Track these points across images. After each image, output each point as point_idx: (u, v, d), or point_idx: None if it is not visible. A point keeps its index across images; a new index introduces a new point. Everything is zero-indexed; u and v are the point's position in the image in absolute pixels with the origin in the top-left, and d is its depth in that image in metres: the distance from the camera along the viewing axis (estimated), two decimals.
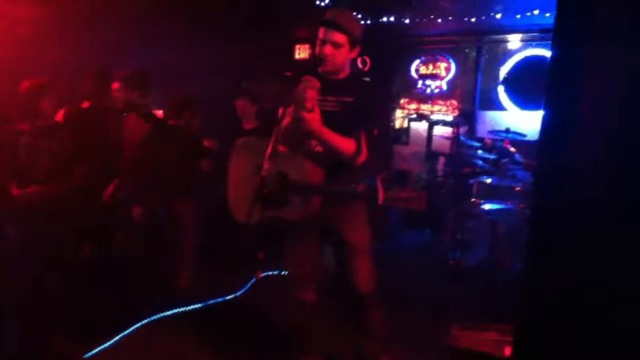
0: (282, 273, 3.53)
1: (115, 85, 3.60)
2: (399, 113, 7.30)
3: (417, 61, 7.07)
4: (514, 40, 6.45)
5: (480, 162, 5.20)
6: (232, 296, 3.83)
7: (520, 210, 4.76)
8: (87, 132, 3.48)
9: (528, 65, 6.24)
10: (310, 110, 2.15)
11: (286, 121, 2.31)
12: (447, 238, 5.00)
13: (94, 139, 3.53)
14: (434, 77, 6.94)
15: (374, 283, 2.50)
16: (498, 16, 5.71)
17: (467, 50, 6.90)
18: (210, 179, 3.88)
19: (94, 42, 4.63)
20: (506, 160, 4.96)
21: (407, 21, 6.25)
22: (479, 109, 6.70)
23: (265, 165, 2.04)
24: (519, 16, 5.61)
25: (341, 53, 2.31)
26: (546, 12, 5.35)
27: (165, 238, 3.84)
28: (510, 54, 6.46)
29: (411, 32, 6.81)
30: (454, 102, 6.81)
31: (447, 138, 6.22)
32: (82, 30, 4.55)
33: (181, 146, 3.78)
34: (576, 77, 1.32)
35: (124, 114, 3.67)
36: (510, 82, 6.39)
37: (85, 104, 3.82)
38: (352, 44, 2.32)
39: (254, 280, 3.96)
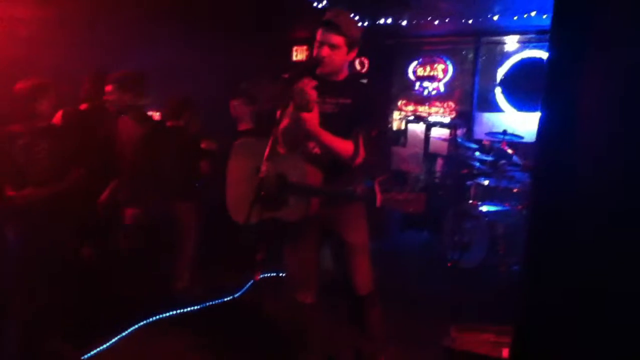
0: (281, 274, 3.53)
1: (109, 87, 3.56)
2: (396, 115, 7.31)
3: (415, 63, 7.08)
4: (511, 42, 6.46)
5: (478, 164, 5.21)
6: (230, 297, 3.84)
7: (518, 211, 4.78)
8: (85, 134, 3.48)
9: (525, 67, 6.25)
10: (309, 111, 2.15)
11: (285, 122, 2.31)
12: (446, 239, 5.01)
13: (93, 140, 3.53)
14: (432, 78, 6.95)
15: (373, 283, 2.51)
16: (495, 18, 5.72)
17: (464, 51, 6.92)
18: (210, 180, 3.88)
19: (93, 42, 4.63)
20: (504, 161, 4.98)
21: (404, 23, 6.26)
22: (476, 111, 6.70)
23: (264, 167, 2.05)
24: (516, 18, 5.62)
25: (338, 55, 2.32)
26: (543, 14, 5.36)
27: (164, 239, 3.83)
28: (507, 55, 6.47)
29: (409, 34, 6.82)
30: (452, 103, 6.82)
31: (444, 139, 6.24)
32: (82, 31, 4.54)
33: (180, 147, 3.78)
34: (573, 78, 1.32)
35: (121, 116, 3.66)
36: (508, 84, 6.40)
37: (84, 106, 3.82)
38: (350, 45, 2.33)
39: (252, 281, 3.96)
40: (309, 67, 2.35)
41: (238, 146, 2.51)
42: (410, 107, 7.15)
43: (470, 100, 6.76)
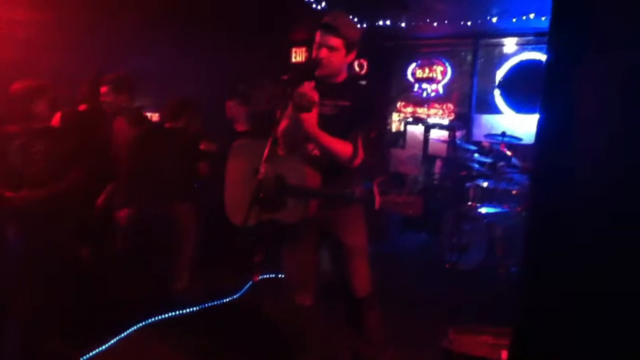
0: (279, 276, 3.53)
1: (104, 88, 3.55)
2: (395, 116, 7.32)
3: (414, 64, 7.09)
4: (509, 44, 6.48)
5: (477, 166, 5.22)
6: (229, 299, 3.83)
7: (517, 213, 4.78)
8: (84, 135, 3.48)
9: (524, 69, 6.27)
10: (308, 111, 2.15)
11: (284, 124, 2.31)
12: (444, 241, 5.01)
13: (92, 141, 3.52)
14: (431, 80, 6.96)
15: (371, 286, 2.51)
16: (494, 20, 5.74)
17: (463, 53, 6.93)
18: (209, 181, 3.88)
19: (92, 45, 4.63)
20: (502, 163, 4.98)
21: (403, 25, 6.27)
22: (475, 112, 6.72)
23: (263, 168, 2.04)
24: (514, 20, 5.64)
25: (337, 57, 2.32)
26: (542, 16, 5.38)
27: (163, 240, 3.83)
28: (506, 57, 6.49)
29: (407, 36, 6.84)
30: (450, 105, 6.83)
31: (443, 141, 6.25)
32: (81, 34, 4.55)
33: (179, 148, 3.78)
34: (571, 80, 1.32)
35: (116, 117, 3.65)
36: (506, 86, 6.41)
37: (83, 107, 3.82)
38: (348, 47, 2.33)
39: (251, 283, 3.96)
40: (308, 69, 2.35)
41: (236, 147, 2.51)
42: (409, 109, 7.16)
43: (469, 102, 6.77)
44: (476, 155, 5.25)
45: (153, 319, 3.41)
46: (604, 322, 1.30)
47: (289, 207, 2.28)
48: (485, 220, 4.68)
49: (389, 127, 7.27)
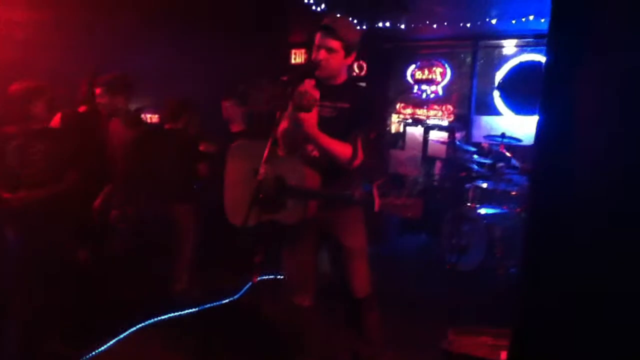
0: (279, 277, 3.53)
1: (98, 90, 3.49)
2: (395, 118, 7.32)
3: (413, 66, 7.10)
4: (509, 46, 6.49)
5: (476, 167, 5.22)
6: (228, 300, 3.83)
7: (516, 214, 4.79)
8: (84, 136, 3.47)
9: (523, 71, 6.28)
10: (308, 111, 2.15)
11: (284, 125, 2.32)
12: (444, 242, 5.01)
13: (91, 142, 3.52)
14: (430, 82, 6.96)
15: (371, 287, 2.51)
16: (493, 21, 5.75)
17: (462, 55, 6.94)
18: (208, 182, 3.88)
19: (90, 45, 4.63)
20: (502, 164, 4.99)
21: (402, 26, 6.28)
22: (474, 114, 6.72)
23: (262, 169, 2.04)
24: (514, 21, 5.65)
25: (336, 58, 2.32)
26: (541, 18, 5.39)
27: (162, 241, 3.83)
28: (505, 59, 6.50)
29: (407, 37, 6.84)
30: (450, 106, 6.84)
31: (443, 142, 6.25)
32: (79, 34, 4.55)
33: (178, 149, 3.77)
34: (571, 82, 1.33)
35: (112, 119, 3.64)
36: (506, 87, 6.42)
37: (82, 108, 3.82)
38: (347, 49, 2.34)
39: (250, 284, 3.96)
40: (308, 70, 2.35)
41: (235, 148, 2.51)
42: (409, 110, 7.16)
43: (468, 103, 6.78)
44: (475, 156, 5.26)
45: (153, 320, 3.41)
46: (603, 324, 1.30)
47: (289, 208, 2.28)
48: (485, 221, 4.68)
49: (388, 128, 7.27)
